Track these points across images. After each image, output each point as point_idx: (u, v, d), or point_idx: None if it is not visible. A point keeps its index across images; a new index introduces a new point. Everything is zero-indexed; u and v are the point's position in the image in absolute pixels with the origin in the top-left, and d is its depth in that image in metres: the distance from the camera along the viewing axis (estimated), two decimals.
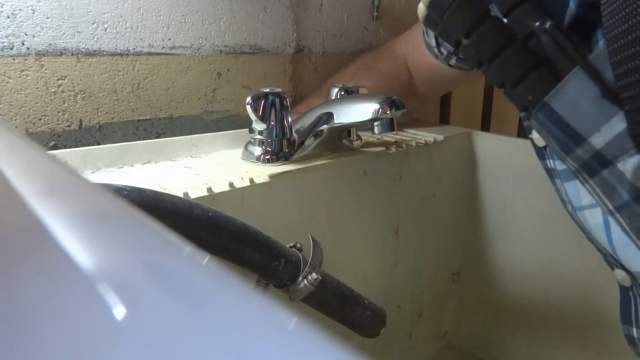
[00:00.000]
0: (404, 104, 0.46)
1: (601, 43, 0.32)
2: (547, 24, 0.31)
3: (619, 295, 0.40)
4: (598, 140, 0.31)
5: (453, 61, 0.57)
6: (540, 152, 0.40)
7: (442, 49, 0.56)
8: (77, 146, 0.50)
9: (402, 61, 0.67)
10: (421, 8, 0.36)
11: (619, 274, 0.38)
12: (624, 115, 0.29)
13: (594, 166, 0.32)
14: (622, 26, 0.28)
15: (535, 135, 0.39)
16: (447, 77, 0.64)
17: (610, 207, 0.33)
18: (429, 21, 0.36)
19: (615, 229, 0.34)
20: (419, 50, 0.62)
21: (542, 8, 0.33)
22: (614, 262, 0.37)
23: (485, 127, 0.98)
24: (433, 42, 0.57)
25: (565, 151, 0.33)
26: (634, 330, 0.38)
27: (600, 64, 0.30)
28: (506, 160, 0.65)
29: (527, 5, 0.33)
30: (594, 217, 0.35)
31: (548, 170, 0.40)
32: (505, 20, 0.34)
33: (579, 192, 0.36)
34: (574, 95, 0.31)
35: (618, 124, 0.30)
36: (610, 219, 0.34)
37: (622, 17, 0.28)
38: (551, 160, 0.39)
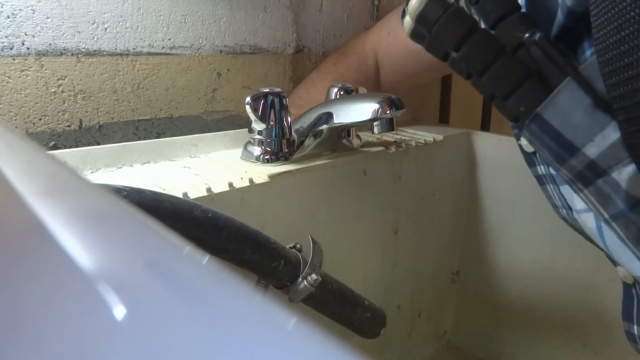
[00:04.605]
0: (403, 104, 0.46)
1: (588, 53, 0.32)
2: (537, 36, 0.31)
3: (622, 291, 0.40)
4: (592, 150, 0.31)
5: None
6: (530, 159, 0.40)
7: None
8: (77, 146, 0.50)
9: (366, 56, 0.65)
10: (408, 22, 0.36)
11: (621, 271, 0.38)
12: (617, 125, 0.30)
13: (589, 176, 0.32)
14: (613, 37, 0.28)
15: (523, 141, 0.39)
16: (424, 65, 0.62)
17: (606, 215, 0.33)
18: (416, 35, 0.36)
19: (609, 234, 0.34)
20: (396, 35, 0.61)
21: (529, 19, 0.33)
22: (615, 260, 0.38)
23: (485, 127, 0.99)
24: None
25: (560, 162, 0.33)
26: (635, 327, 0.38)
27: (592, 74, 0.30)
28: (506, 160, 0.65)
29: (514, 17, 0.33)
30: (589, 222, 0.36)
31: (538, 177, 0.40)
32: (492, 31, 0.34)
33: (574, 195, 0.36)
34: (567, 106, 0.31)
35: (611, 134, 0.30)
36: (603, 225, 0.34)
37: (614, 28, 0.28)
38: (542, 167, 0.39)
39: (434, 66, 0.63)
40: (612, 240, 0.34)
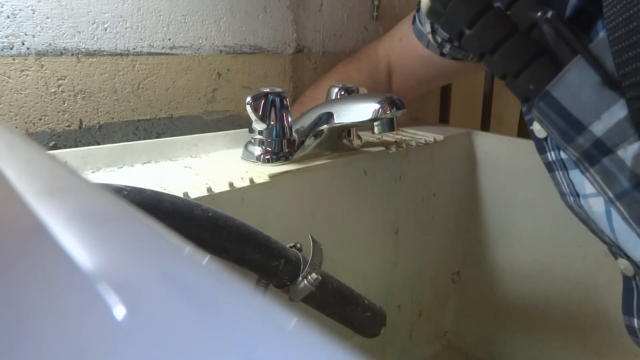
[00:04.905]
0: (404, 104, 0.46)
1: (601, 34, 0.32)
2: (549, 14, 0.32)
3: (622, 286, 0.40)
4: (598, 128, 0.31)
5: (446, 49, 0.57)
6: (541, 145, 0.40)
7: (437, 36, 0.56)
8: (77, 146, 0.50)
9: (379, 61, 0.66)
10: (425, 1, 0.37)
11: (622, 263, 0.38)
12: (624, 102, 0.30)
13: (595, 154, 0.32)
14: (622, 15, 0.28)
15: (536, 127, 0.39)
16: (434, 70, 0.63)
17: (611, 195, 0.33)
18: (433, 13, 0.37)
19: (617, 218, 0.34)
20: (407, 41, 0.62)
21: (544, 0, 0.33)
22: (618, 251, 0.38)
23: (485, 127, 0.98)
24: (428, 29, 0.56)
25: (567, 140, 0.33)
26: (635, 320, 0.38)
27: (601, 52, 0.30)
28: (506, 160, 0.65)
29: None
30: (597, 206, 0.36)
31: (548, 164, 0.40)
32: (507, 12, 0.34)
33: (584, 180, 0.36)
34: (575, 83, 0.31)
35: (619, 112, 0.30)
36: (611, 208, 0.34)
37: (623, 6, 0.28)
38: (553, 152, 0.39)
39: (442, 72, 0.64)
40: (619, 224, 0.34)
